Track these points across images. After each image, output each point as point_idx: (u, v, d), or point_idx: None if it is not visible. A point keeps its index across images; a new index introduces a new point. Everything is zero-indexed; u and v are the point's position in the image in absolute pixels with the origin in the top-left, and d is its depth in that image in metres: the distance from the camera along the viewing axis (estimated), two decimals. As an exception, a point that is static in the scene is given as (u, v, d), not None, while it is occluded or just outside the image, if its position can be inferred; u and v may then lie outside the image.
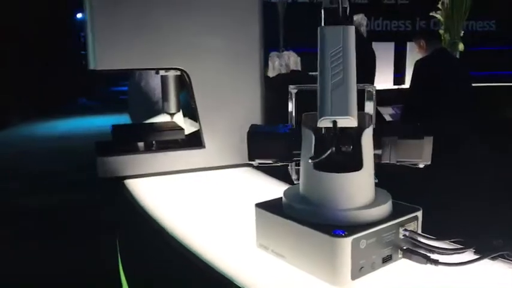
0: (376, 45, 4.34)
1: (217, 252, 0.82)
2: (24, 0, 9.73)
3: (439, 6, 4.92)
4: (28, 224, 3.73)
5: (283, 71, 4.42)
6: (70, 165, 5.50)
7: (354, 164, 0.70)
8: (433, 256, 0.72)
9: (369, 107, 0.83)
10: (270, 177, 1.30)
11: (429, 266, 0.71)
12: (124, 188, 1.25)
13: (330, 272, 0.68)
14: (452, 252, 0.73)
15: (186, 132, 1.41)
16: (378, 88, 0.84)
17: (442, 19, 4.90)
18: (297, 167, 1.19)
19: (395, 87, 5.12)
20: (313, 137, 0.70)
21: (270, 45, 4.68)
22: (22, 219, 3.87)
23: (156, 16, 1.26)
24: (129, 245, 1.35)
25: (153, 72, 3.08)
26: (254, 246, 0.82)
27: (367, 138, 0.72)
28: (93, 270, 2.77)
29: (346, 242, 0.67)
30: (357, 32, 3.12)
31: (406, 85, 4.88)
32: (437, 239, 0.76)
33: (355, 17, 4.55)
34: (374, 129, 0.74)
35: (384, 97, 3.85)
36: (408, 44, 5.04)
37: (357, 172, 0.70)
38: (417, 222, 0.77)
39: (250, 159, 0.78)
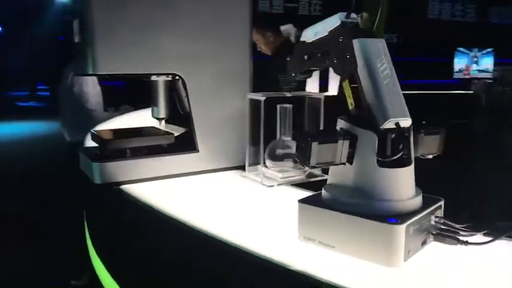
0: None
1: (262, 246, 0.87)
2: None
3: (358, 18, 5.26)
4: None
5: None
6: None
7: (407, 159, 0.80)
8: (462, 238, 0.83)
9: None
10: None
11: (456, 247, 0.83)
12: (122, 193, 1.24)
13: (385, 256, 0.77)
14: (476, 233, 0.85)
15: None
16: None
17: (361, 31, 5.25)
18: (267, 170, 1.27)
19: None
20: (377, 138, 0.79)
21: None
22: None
23: (153, 23, 1.28)
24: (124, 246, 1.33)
25: (89, 78, 3.01)
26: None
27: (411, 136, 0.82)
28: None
29: (401, 229, 0.76)
30: (289, 41, 3.23)
31: (331, 92, 5.16)
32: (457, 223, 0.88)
33: (285, 27, 4.73)
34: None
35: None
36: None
37: (409, 167, 0.80)
38: (441, 210, 0.89)
39: (310, 166, 0.81)
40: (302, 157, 0.81)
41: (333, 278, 0.74)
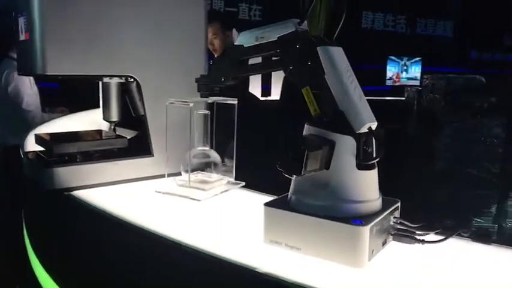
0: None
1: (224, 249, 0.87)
2: None
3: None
4: None
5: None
6: None
7: (374, 162, 0.84)
8: (418, 237, 0.88)
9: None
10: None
11: (414, 245, 0.88)
12: (73, 199, 1.19)
13: (350, 257, 0.80)
14: (430, 232, 0.90)
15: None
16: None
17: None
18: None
19: (263, 98, 5.46)
20: (355, 142, 0.82)
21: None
22: None
23: (107, 25, 1.24)
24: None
25: (26, 78, 2.86)
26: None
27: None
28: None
29: (366, 230, 0.79)
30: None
31: (273, 97, 5.23)
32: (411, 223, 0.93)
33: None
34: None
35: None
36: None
37: (376, 169, 0.84)
38: (398, 211, 0.93)
39: (300, 174, 0.80)
40: (294, 166, 0.80)
41: (299, 279, 0.76)
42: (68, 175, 1.21)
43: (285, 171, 0.83)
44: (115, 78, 1.34)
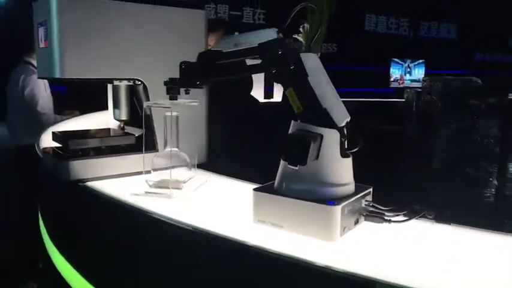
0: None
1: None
2: None
3: (301, 29, 5.56)
4: None
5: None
6: None
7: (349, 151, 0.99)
8: (386, 217, 1.02)
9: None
10: (217, 175, 1.51)
11: (383, 225, 1.02)
12: (87, 189, 1.34)
13: (325, 232, 0.94)
14: (398, 214, 1.04)
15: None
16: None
17: (303, 41, 5.55)
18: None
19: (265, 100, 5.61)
20: (339, 134, 0.98)
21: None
22: None
23: (117, 34, 1.40)
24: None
25: (41, 82, 3.01)
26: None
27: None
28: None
29: (338, 209, 0.93)
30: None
31: (276, 99, 5.37)
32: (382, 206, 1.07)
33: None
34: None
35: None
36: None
37: (350, 157, 0.99)
38: (370, 195, 1.07)
39: (305, 163, 0.95)
40: (299, 156, 0.95)
41: (282, 250, 0.90)
42: (81, 168, 1.36)
43: (290, 162, 0.98)
44: (124, 81, 1.49)
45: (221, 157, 1.71)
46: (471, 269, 0.85)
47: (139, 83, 1.46)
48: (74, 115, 3.07)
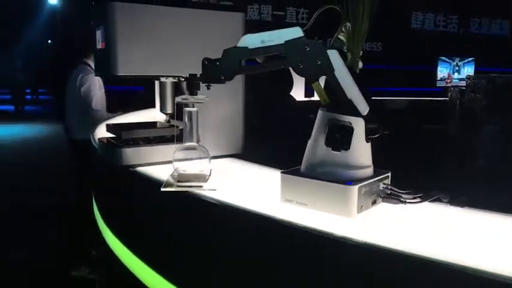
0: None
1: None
2: None
3: (343, 29, 5.61)
4: None
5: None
6: None
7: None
8: (402, 199, 1.12)
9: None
10: (252, 163, 1.64)
11: (399, 206, 1.11)
12: (137, 174, 1.51)
13: (344, 209, 1.05)
14: (414, 197, 1.13)
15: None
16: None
17: (345, 40, 5.61)
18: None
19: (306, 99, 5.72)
20: (364, 122, 1.10)
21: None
22: None
23: (164, 36, 1.57)
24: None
25: (97, 81, 3.25)
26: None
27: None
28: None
29: (355, 188, 1.04)
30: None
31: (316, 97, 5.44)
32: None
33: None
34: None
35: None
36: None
37: (369, 143, 1.10)
38: (389, 180, 1.17)
39: (349, 148, 1.09)
40: (344, 143, 1.10)
41: (306, 224, 1.02)
42: (132, 155, 1.54)
43: (334, 148, 1.10)
44: (170, 77, 1.66)
45: (256, 148, 1.84)
46: (481, 242, 0.94)
47: (183, 79, 1.62)
48: (122, 114, 3.29)
